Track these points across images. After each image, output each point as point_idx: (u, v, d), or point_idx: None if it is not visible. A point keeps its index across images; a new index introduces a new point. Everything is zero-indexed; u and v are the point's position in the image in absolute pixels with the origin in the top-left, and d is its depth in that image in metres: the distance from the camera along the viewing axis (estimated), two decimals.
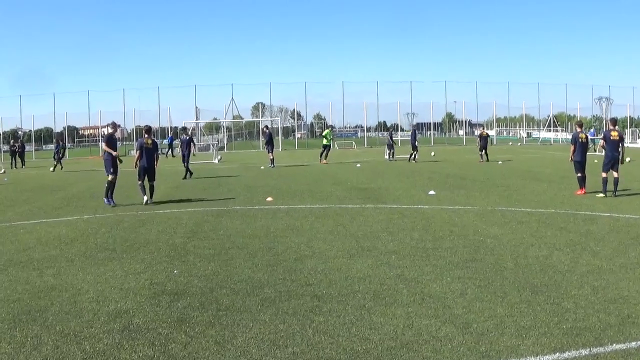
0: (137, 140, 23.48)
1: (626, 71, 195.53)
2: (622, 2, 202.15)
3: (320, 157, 33.56)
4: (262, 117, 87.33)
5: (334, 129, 46.99)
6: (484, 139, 33.19)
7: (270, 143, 30.80)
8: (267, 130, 32.98)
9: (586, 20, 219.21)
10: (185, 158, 25.06)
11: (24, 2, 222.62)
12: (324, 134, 36.04)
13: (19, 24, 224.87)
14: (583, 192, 15.67)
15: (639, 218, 11.79)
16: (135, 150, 16.67)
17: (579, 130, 16.88)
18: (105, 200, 15.60)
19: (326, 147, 33.72)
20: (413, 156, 32.81)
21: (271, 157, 30.35)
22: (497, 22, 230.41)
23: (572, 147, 16.51)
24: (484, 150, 32.50)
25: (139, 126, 70.83)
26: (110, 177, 15.59)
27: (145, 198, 15.61)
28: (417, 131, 35.86)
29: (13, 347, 5.40)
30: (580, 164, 16.12)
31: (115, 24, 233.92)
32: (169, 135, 60.41)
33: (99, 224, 12.51)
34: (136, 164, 16.09)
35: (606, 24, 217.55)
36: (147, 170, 16.01)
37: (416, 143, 33.59)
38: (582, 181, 15.94)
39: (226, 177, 24.78)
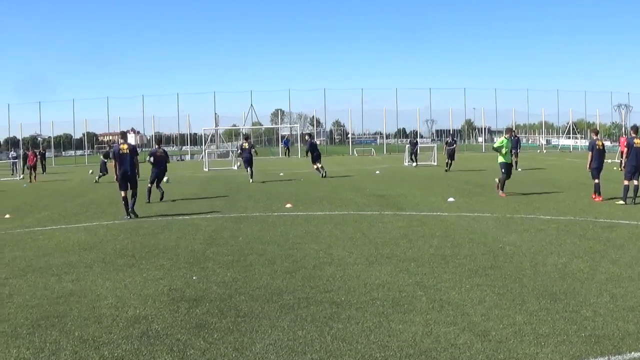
0: (152, 147, 22.55)
1: None
2: None
3: (499, 187, 18.13)
4: (281, 123, 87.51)
5: (515, 135, 30.37)
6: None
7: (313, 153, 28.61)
8: (309, 139, 30.61)
9: (605, 27, 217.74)
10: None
11: (43, 9, 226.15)
12: (496, 145, 19.04)
13: (39, 31, 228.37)
14: (599, 198, 15.58)
15: None
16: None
17: (595, 137, 16.85)
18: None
19: (505, 168, 18.37)
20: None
21: (315, 167, 28.11)
22: (516, 29, 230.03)
23: (589, 154, 16.48)
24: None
25: (158, 132, 71.48)
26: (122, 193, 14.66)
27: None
28: (517, 137, 30.40)
29: (32, 352, 5.45)
30: (597, 171, 16.06)
31: (133, 30, 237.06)
32: (285, 138, 63.18)
33: (118, 230, 12.62)
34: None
35: (625, 31, 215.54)
36: (127, 179, 14.67)
37: (518, 150, 29.93)
38: (598, 188, 15.86)
39: (245, 183, 24.85)
